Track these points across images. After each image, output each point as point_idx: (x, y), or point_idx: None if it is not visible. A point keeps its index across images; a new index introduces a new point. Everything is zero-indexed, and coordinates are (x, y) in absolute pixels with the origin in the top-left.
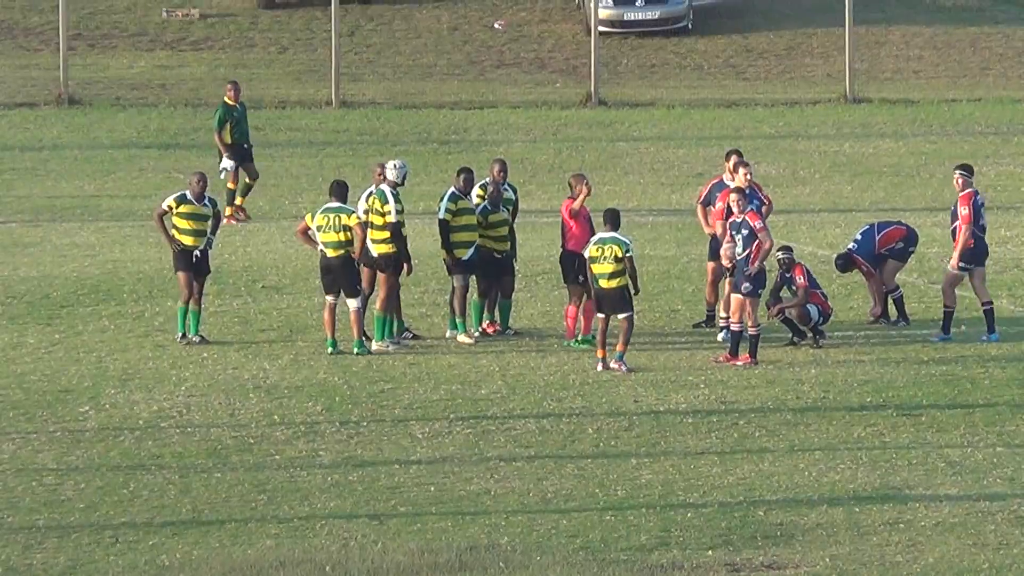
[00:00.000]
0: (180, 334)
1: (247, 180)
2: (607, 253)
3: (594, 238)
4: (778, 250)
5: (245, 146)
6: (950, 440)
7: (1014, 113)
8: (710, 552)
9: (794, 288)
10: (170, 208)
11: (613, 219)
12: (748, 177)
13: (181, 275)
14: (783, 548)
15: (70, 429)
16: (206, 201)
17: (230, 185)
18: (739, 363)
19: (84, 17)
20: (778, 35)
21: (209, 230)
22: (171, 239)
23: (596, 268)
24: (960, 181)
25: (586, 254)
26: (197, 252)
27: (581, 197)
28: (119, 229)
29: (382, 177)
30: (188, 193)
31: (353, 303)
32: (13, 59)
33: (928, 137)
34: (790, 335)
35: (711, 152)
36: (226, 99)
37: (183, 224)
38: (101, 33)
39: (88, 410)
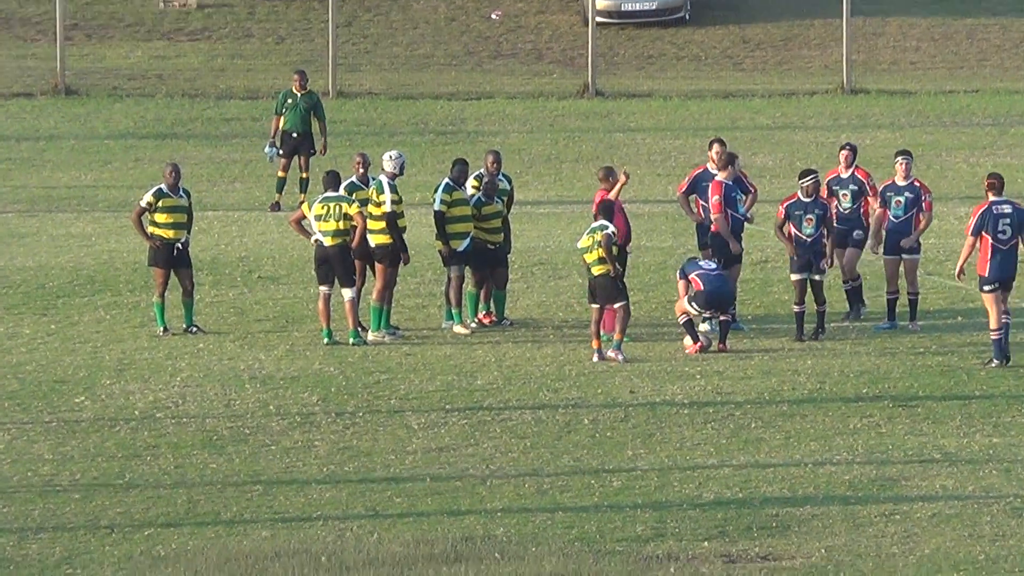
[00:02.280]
0: (162, 328)
1: (301, 174)
2: (595, 241)
3: (589, 229)
4: (805, 175)
5: (294, 135)
6: (946, 431)
7: (1011, 104)
8: (706, 543)
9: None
10: (150, 204)
11: (607, 210)
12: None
13: (157, 270)
14: (779, 539)
15: (66, 419)
16: (181, 192)
17: (280, 174)
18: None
19: (81, 7)
20: (775, 26)
21: (187, 224)
22: (149, 237)
23: (588, 257)
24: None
25: (579, 244)
26: (179, 245)
27: (617, 187)
28: (115, 219)
29: (360, 168)
30: (164, 186)
31: (348, 293)
32: (10, 49)
33: (925, 128)
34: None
35: (708, 143)
36: (293, 87)
37: (163, 218)
38: (98, 23)
39: (84, 400)
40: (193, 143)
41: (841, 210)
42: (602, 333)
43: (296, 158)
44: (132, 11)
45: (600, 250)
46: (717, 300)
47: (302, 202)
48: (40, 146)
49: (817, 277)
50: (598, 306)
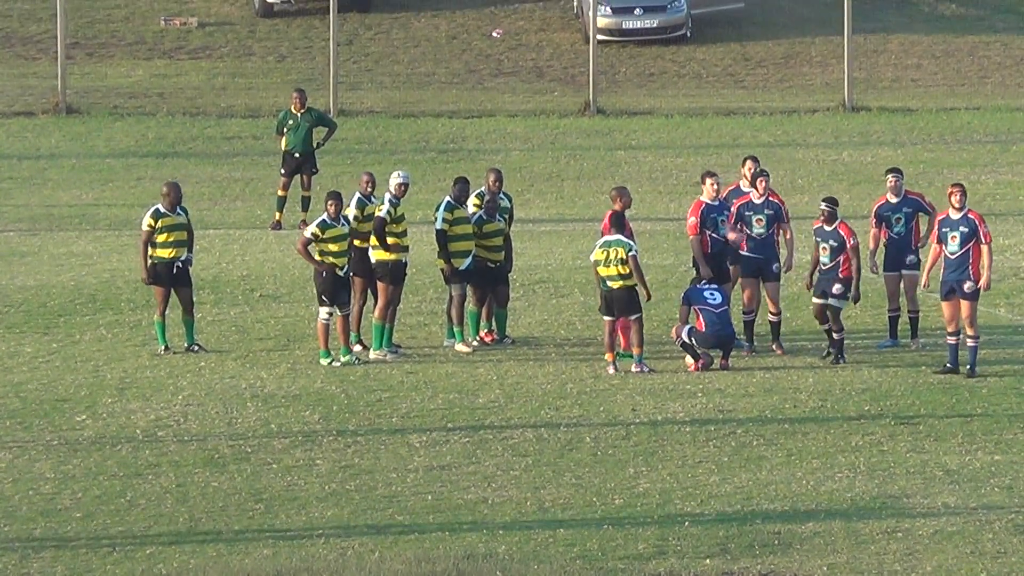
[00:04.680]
0: (163, 347)
1: (303, 192)
2: (612, 255)
3: (599, 241)
4: (823, 201)
5: (296, 155)
6: (948, 449)
7: (1012, 122)
8: (708, 561)
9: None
10: (151, 227)
11: (619, 222)
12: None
13: (158, 289)
14: (780, 557)
15: (67, 438)
16: (179, 210)
17: (280, 192)
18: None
19: (82, 26)
20: (776, 44)
21: (187, 242)
22: (147, 266)
23: (603, 271)
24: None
25: (592, 258)
26: (178, 263)
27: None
28: (117, 238)
29: (368, 186)
30: (161, 206)
31: (340, 310)
32: (11, 68)
33: (927, 145)
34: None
35: (709, 160)
36: (292, 107)
37: (162, 238)
38: (99, 42)
39: (85, 419)
40: (194, 162)
41: (754, 235)
42: (619, 350)
43: (299, 177)
44: (133, 30)
45: (619, 267)
46: (718, 342)
47: (303, 221)
48: (41, 165)
49: (832, 302)
50: (611, 319)
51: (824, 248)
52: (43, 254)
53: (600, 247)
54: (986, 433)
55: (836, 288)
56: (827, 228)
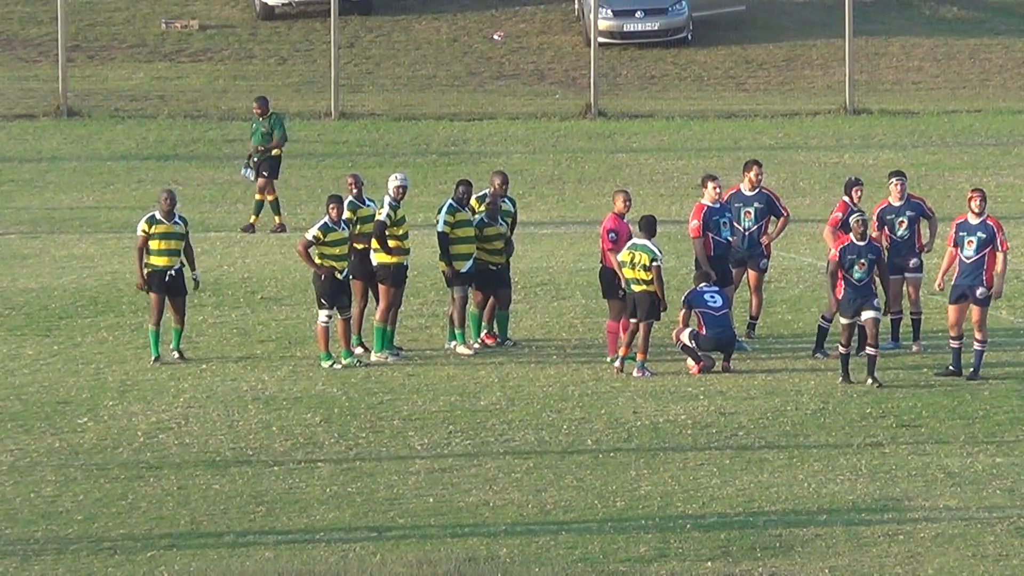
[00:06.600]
0: (154, 357)
1: (260, 194)
2: (636, 260)
3: (629, 243)
4: (859, 211)
5: (255, 159)
6: (950, 451)
7: (1014, 124)
8: (709, 563)
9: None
10: (145, 232)
11: (648, 226)
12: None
13: (152, 296)
14: (782, 560)
15: (68, 441)
16: (176, 219)
17: (269, 198)
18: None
19: (83, 28)
20: (778, 46)
21: (183, 251)
22: (141, 271)
23: (627, 272)
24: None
25: (619, 257)
26: (171, 272)
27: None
28: (118, 240)
29: (353, 188)
30: (157, 213)
31: (343, 313)
32: (12, 71)
33: (928, 148)
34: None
35: (710, 163)
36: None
37: (154, 245)
38: (100, 45)
39: (86, 422)
40: (195, 164)
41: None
42: (615, 354)
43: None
44: (134, 32)
45: (642, 272)
46: (719, 345)
47: (279, 221)
48: (42, 167)
49: (872, 314)
50: (634, 321)
51: (861, 263)
52: (44, 256)
53: (627, 249)
54: (988, 435)
55: (877, 302)
56: (860, 243)
